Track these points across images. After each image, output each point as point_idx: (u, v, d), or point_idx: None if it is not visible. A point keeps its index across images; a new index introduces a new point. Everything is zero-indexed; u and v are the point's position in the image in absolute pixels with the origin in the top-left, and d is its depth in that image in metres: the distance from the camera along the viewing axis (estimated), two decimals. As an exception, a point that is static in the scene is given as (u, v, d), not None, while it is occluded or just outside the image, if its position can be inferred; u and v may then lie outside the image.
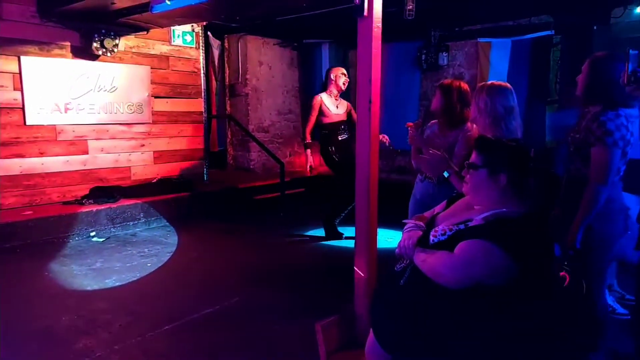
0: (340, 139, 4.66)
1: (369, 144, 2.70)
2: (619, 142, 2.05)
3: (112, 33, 5.11)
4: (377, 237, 2.77)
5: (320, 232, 5.03)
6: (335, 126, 4.63)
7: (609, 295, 2.95)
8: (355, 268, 2.70)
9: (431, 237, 1.63)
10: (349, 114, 4.74)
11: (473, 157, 1.68)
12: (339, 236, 4.79)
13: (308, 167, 4.80)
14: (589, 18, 4.94)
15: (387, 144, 4.31)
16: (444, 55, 6.46)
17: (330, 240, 4.75)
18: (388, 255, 2.30)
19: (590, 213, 2.10)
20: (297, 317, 3.00)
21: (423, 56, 6.53)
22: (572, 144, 2.23)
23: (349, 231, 4.88)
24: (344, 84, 4.61)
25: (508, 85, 2.36)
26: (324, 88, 4.69)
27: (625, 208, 2.26)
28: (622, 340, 2.38)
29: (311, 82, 7.76)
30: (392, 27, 3.55)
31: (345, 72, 4.68)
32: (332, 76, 4.59)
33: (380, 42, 2.75)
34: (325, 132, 4.67)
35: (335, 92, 4.60)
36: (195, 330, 2.87)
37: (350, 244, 4.38)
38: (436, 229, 1.65)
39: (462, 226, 1.57)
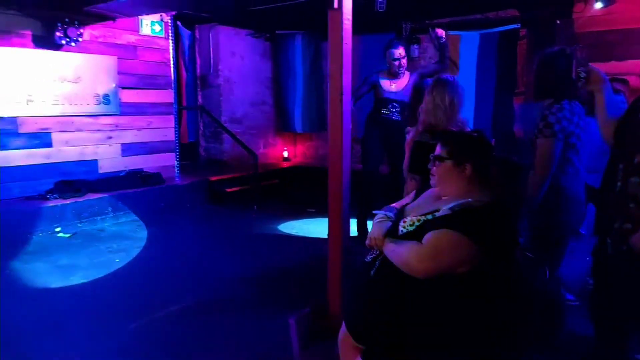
0: (383, 114, 4.37)
1: (342, 134, 2.71)
2: (558, 134, 2.16)
3: (76, 22, 4.91)
4: (350, 227, 2.79)
5: (291, 225, 5.03)
6: (382, 103, 4.39)
7: None
8: (329, 260, 2.71)
9: (400, 228, 1.66)
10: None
11: (438, 149, 1.72)
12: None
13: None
14: (552, 12, 5.08)
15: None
16: (415, 47, 6.52)
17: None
18: (359, 247, 2.32)
19: (532, 201, 2.22)
20: (271, 312, 3.00)
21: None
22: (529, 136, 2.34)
23: (322, 222, 4.90)
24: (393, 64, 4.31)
25: (450, 79, 2.44)
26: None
27: (583, 198, 2.36)
28: (577, 325, 2.48)
29: (284, 73, 7.70)
30: (363, 19, 3.55)
31: (397, 52, 4.31)
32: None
33: (350, 34, 2.75)
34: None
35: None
36: (164, 328, 2.81)
37: (325, 235, 4.39)
38: (405, 219, 1.67)
39: (430, 217, 1.60)
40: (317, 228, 4.88)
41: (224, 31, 7.10)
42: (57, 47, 4.94)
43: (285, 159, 7.97)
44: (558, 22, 5.07)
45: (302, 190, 6.79)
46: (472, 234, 1.49)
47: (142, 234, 4.67)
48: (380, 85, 4.38)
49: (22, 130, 4.82)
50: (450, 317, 1.53)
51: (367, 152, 4.51)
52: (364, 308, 1.71)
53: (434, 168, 1.71)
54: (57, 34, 4.84)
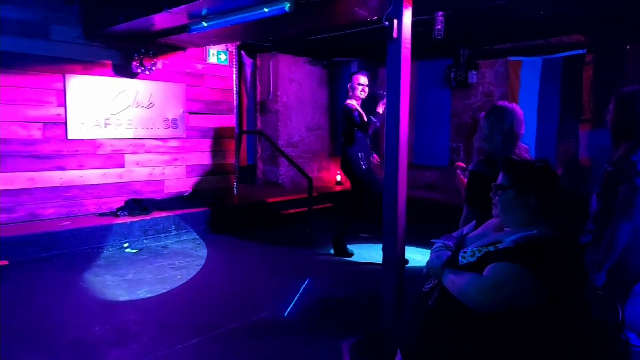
0: (369, 145, 4.71)
1: (397, 160, 2.73)
2: None
3: (151, 52, 5.35)
4: (405, 254, 2.77)
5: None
6: (366, 132, 4.65)
7: None
8: (381, 286, 2.70)
9: (460, 258, 1.63)
10: None
11: (500, 178, 1.69)
12: (349, 255, 4.75)
13: None
14: (622, 36, 4.86)
15: (377, 162, 4.74)
16: (473, 73, 6.45)
17: (340, 256, 4.74)
18: (416, 275, 2.30)
19: (614, 251, 2.08)
20: (324, 336, 3.01)
21: (452, 74, 6.54)
22: (605, 176, 2.20)
23: (375, 249, 4.88)
24: (361, 91, 4.59)
25: (509, 106, 2.35)
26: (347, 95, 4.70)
27: None
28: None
29: (340, 99, 7.84)
30: (421, 46, 3.60)
31: (363, 79, 4.63)
32: (354, 84, 4.59)
33: (409, 62, 2.80)
34: (357, 136, 4.62)
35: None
36: (223, 344, 2.90)
37: (378, 261, 4.36)
38: (465, 249, 1.65)
39: (491, 248, 1.57)
40: (370, 253, 4.85)
41: (284, 59, 7.40)
42: (133, 75, 5.37)
43: (338, 183, 8.04)
44: (628, 47, 4.85)
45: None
46: (536, 268, 1.43)
47: (202, 252, 4.86)
48: (361, 114, 4.60)
49: (99, 151, 5.24)
50: (511, 354, 1.48)
51: (374, 176, 4.66)
52: (421, 338, 1.68)
53: (496, 197, 1.67)
54: (134, 63, 5.29)
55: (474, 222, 1.92)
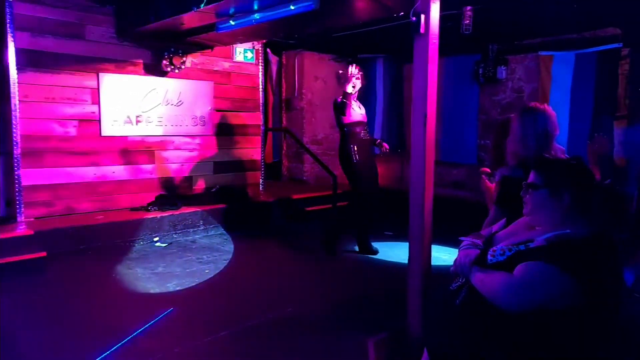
0: (362, 137, 4.60)
1: (424, 158, 2.71)
2: None
3: (180, 51, 5.46)
4: (432, 254, 2.75)
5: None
6: (358, 125, 4.58)
7: None
8: (408, 285, 2.69)
9: (489, 257, 1.61)
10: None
11: (532, 177, 1.66)
12: (333, 252, 4.69)
13: None
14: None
15: (386, 150, 4.72)
16: (502, 69, 6.32)
17: (329, 254, 4.68)
18: (442, 273, 2.29)
19: None
20: (349, 332, 3.02)
21: (480, 70, 6.42)
22: None
23: (399, 247, 4.86)
24: (352, 84, 4.44)
25: (541, 107, 2.28)
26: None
27: None
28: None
29: (365, 96, 7.82)
30: (448, 41, 3.55)
31: (355, 71, 4.48)
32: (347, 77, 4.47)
33: (436, 58, 2.77)
34: (346, 130, 4.56)
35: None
36: (250, 338, 2.96)
37: (404, 259, 4.34)
38: (494, 248, 1.63)
39: (522, 247, 1.55)
40: (394, 252, 4.83)
41: (309, 56, 7.42)
42: (163, 73, 5.50)
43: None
44: (667, 40, 4.66)
45: (380, 212, 6.76)
46: (569, 268, 1.41)
47: (229, 247, 4.95)
48: (344, 103, 4.48)
49: (130, 148, 5.39)
50: (541, 356, 1.46)
51: (362, 174, 4.57)
52: (448, 338, 1.67)
53: (527, 196, 1.65)
54: (164, 62, 5.41)
55: (503, 220, 1.90)
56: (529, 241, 1.56)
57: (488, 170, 2.88)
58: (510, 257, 1.55)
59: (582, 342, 1.46)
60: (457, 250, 1.83)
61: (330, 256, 4.66)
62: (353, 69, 4.43)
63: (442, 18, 2.76)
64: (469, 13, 4.29)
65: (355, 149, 4.53)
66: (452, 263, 1.81)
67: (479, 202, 5.84)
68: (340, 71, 4.70)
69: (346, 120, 4.52)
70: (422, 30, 2.66)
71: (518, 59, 6.31)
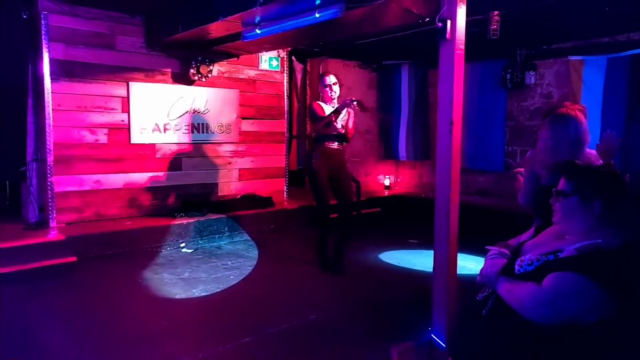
0: (327, 146, 4.31)
1: (450, 165, 2.67)
2: None
3: (207, 60, 5.57)
4: (458, 263, 2.70)
5: (392, 255, 4.99)
6: (329, 134, 4.28)
7: None
8: (433, 294, 2.65)
9: (517, 267, 1.57)
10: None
11: (562, 184, 1.61)
12: (325, 267, 4.39)
13: None
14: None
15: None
16: (531, 74, 6.20)
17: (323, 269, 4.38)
18: (468, 283, 2.24)
19: None
20: (373, 340, 3.00)
21: (508, 75, 6.31)
22: None
23: (424, 255, 4.79)
24: (330, 92, 4.31)
25: (572, 113, 2.17)
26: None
27: None
28: None
29: (390, 102, 7.80)
30: (474, 46, 3.50)
31: (328, 79, 4.36)
32: (321, 86, 4.37)
33: (462, 64, 2.74)
34: (314, 136, 4.39)
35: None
36: (274, 344, 2.96)
37: (429, 268, 4.28)
38: (522, 258, 1.59)
39: (551, 257, 1.50)
40: (419, 260, 4.77)
41: (333, 63, 7.44)
42: (190, 82, 5.62)
43: (387, 187, 7.97)
44: None
45: (404, 219, 6.71)
46: (602, 279, 1.36)
47: (254, 253, 4.98)
48: (316, 110, 4.30)
49: (158, 155, 5.52)
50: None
51: (321, 185, 4.33)
52: (474, 348, 1.64)
53: (557, 204, 1.60)
54: (191, 70, 5.52)
55: (532, 229, 1.85)
56: (558, 251, 1.51)
57: (522, 170, 2.80)
58: (539, 268, 1.50)
59: (614, 357, 1.40)
60: (483, 259, 1.79)
61: (324, 271, 4.35)
62: (330, 79, 4.35)
63: (468, 23, 2.73)
64: (496, 18, 4.22)
65: (318, 157, 4.30)
66: (478, 272, 1.77)
67: (505, 210, 5.73)
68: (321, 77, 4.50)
69: (317, 127, 4.35)
70: (448, 36, 2.64)
71: (547, 63, 6.17)
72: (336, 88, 4.35)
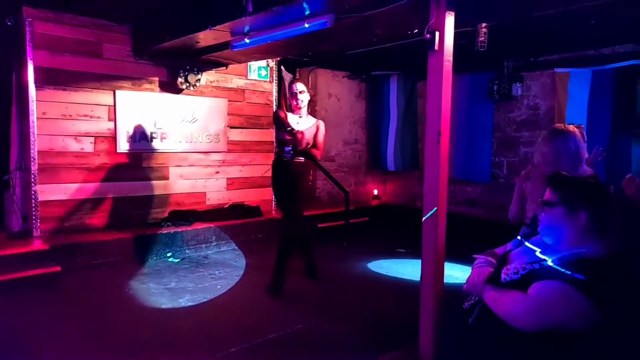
0: (284, 157, 4.08)
1: (438, 175, 2.68)
2: None
3: (195, 69, 5.55)
4: (445, 272, 2.70)
5: (381, 264, 4.98)
6: (284, 143, 4.07)
7: None
8: (421, 304, 2.64)
9: (503, 275, 1.58)
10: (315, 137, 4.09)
11: (547, 194, 1.62)
12: (276, 291, 3.98)
13: None
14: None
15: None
16: (517, 85, 6.28)
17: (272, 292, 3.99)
18: (454, 292, 2.24)
19: None
20: (358, 350, 2.98)
21: (495, 87, 6.39)
22: None
23: (412, 264, 4.79)
24: (296, 101, 4.09)
25: (571, 129, 2.25)
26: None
27: None
28: None
29: (378, 113, 7.84)
30: (462, 58, 3.54)
31: (295, 87, 4.13)
32: (288, 95, 4.17)
33: (450, 75, 2.76)
34: (277, 144, 4.23)
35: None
36: (260, 354, 2.93)
37: (416, 277, 4.28)
38: (508, 266, 1.59)
39: (536, 265, 1.51)
40: (407, 269, 4.78)
41: (322, 73, 7.49)
42: (178, 91, 5.59)
43: (375, 197, 7.98)
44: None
45: (392, 229, 6.72)
46: (585, 287, 1.37)
47: (241, 262, 4.94)
48: (279, 118, 4.07)
49: (145, 164, 5.46)
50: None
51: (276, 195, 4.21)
52: (461, 357, 1.64)
53: (542, 214, 1.61)
54: (179, 79, 5.50)
55: (517, 239, 1.86)
56: (543, 260, 1.52)
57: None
58: (525, 276, 1.51)
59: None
60: (470, 268, 1.79)
61: (274, 295, 3.95)
62: (298, 87, 4.13)
63: (457, 35, 2.75)
64: (483, 30, 4.28)
65: (276, 166, 4.19)
66: (465, 281, 1.77)
67: (491, 220, 5.75)
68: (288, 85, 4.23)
69: (280, 135, 4.17)
70: (436, 47, 2.66)
71: (534, 75, 6.28)
72: (303, 97, 4.10)
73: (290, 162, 4.06)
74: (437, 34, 2.64)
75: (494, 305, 1.53)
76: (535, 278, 1.46)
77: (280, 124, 4.04)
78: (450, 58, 2.72)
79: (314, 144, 4.10)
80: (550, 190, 1.63)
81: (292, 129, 3.98)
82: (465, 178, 6.90)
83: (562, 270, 1.43)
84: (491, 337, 1.54)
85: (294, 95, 4.11)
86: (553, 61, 5.96)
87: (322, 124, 4.19)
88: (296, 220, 4.20)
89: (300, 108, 4.11)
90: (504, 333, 1.48)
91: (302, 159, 4.09)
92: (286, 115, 4.09)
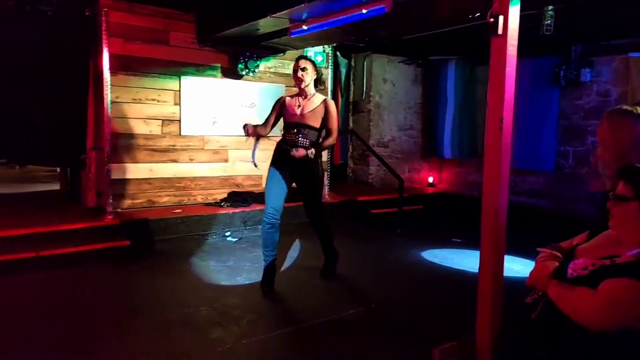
0: (287, 138, 3.76)
1: (500, 164, 2.62)
2: None
3: (255, 55, 5.69)
4: (504, 264, 2.65)
5: (435, 253, 4.93)
6: (291, 128, 3.74)
7: None
8: (478, 295, 2.61)
9: (569, 271, 1.53)
10: (323, 120, 3.65)
11: (620, 187, 1.55)
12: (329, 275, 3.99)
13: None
14: None
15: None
16: (587, 71, 5.91)
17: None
18: (514, 285, 2.21)
19: None
20: (413, 339, 3.00)
21: (562, 72, 6.05)
22: None
23: (468, 255, 4.72)
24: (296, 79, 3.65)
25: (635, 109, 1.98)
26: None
27: None
28: None
29: (435, 99, 7.67)
30: (526, 42, 3.39)
31: (300, 66, 3.62)
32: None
33: (515, 60, 2.66)
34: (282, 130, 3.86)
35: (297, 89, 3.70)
36: (313, 336, 3.01)
37: (472, 268, 4.22)
38: (576, 261, 1.55)
39: (607, 261, 1.46)
40: (462, 260, 4.70)
41: (378, 59, 7.41)
42: (238, 77, 5.77)
43: (430, 185, 7.86)
44: None
45: (448, 218, 6.61)
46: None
47: (296, 245, 5.07)
48: (286, 108, 3.72)
49: (207, 147, 5.71)
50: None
51: (268, 182, 3.87)
52: (522, 352, 1.61)
53: (615, 209, 1.54)
54: (240, 65, 5.66)
55: (585, 232, 1.79)
56: (615, 256, 1.46)
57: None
58: (594, 272, 1.46)
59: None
60: (532, 261, 1.76)
61: (327, 278, 3.95)
62: (299, 63, 3.64)
63: (521, 18, 2.65)
64: (550, 12, 4.06)
65: (276, 151, 3.91)
66: (526, 275, 1.74)
67: (556, 212, 5.52)
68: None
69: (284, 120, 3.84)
70: (500, 31, 2.57)
71: (605, 60, 5.88)
72: (302, 74, 3.59)
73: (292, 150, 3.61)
74: (500, 17, 2.54)
75: (559, 302, 1.49)
76: (606, 275, 1.40)
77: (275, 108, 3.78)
78: (515, 42, 2.62)
79: (328, 132, 3.67)
80: (623, 184, 1.55)
81: (245, 125, 3.75)
82: (527, 167, 6.62)
83: (636, 267, 1.37)
84: (557, 334, 1.50)
85: (294, 72, 3.64)
86: (626, 45, 5.55)
87: (331, 103, 3.68)
88: (321, 207, 3.99)
89: (301, 87, 3.64)
90: (571, 330, 1.43)
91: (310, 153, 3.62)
92: (284, 102, 3.77)
